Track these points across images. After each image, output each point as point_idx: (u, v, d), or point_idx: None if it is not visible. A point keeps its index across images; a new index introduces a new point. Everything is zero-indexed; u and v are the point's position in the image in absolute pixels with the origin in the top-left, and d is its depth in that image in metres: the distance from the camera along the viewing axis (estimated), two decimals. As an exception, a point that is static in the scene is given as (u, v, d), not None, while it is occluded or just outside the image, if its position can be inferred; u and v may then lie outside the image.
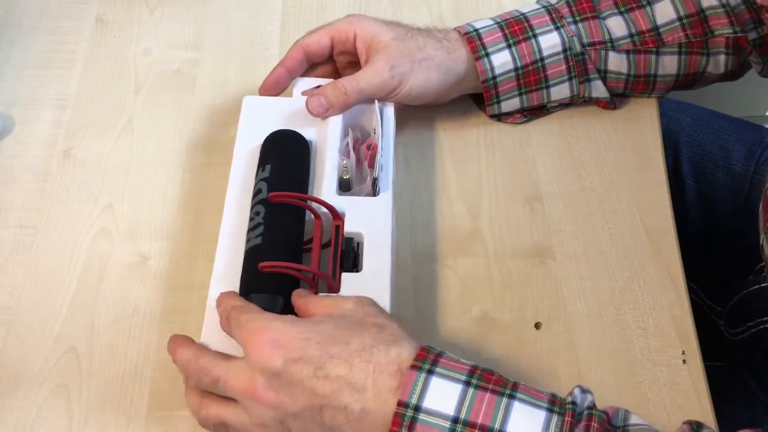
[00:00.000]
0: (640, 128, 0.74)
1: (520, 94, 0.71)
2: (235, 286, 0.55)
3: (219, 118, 0.74)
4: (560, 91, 0.71)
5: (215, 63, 0.78)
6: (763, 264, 0.73)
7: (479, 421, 0.44)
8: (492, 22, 0.70)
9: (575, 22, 0.70)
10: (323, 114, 0.65)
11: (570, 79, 0.70)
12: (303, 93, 0.68)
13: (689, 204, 0.84)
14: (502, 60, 0.69)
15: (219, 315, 0.53)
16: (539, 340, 0.61)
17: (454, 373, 0.46)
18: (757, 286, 0.73)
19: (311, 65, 0.70)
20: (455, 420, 0.44)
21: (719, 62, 0.72)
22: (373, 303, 0.52)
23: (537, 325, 0.62)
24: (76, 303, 0.62)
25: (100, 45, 0.80)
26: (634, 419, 0.47)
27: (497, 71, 0.69)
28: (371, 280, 0.57)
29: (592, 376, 0.59)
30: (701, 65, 0.72)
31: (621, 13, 0.71)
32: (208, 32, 0.81)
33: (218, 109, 0.75)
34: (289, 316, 0.50)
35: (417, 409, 0.44)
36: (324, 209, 0.59)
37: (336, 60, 0.71)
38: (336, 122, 0.65)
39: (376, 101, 0.67)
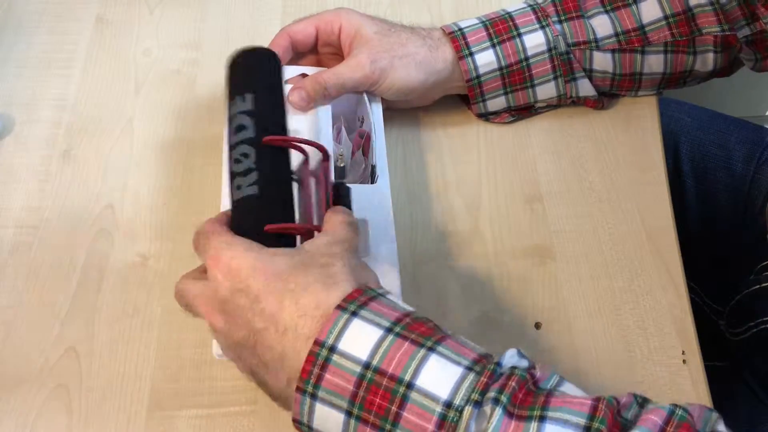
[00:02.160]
0: (640, 128, 0.74)
1: (506, 93, 0.71)
2: None
3: (219, 118, 0.74)
4: (546, 90, 0.71)
5: (215, 63, 0.78)
6: (764, 263, 0.73)
7: (390, 369, 0.42)
8: (477, 21, 0.70)
9: (560, 22, 0.70)
10: (305, 108, 0.65)
11: (555, 78, 0.70)
12: (287, 82, 0.68)
13: (689, 204, 0.84)
14: (486, 60, 0.69)
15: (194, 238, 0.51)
16: (539, 340, 0.61)
17: (378, 318, 0.44)
18: (758, 286, 0.73)
19: (296, 54, 0.71)
20: (366, 365, 0.42)
21: (707, 60, 0.72)
22: (342, 240, 0.49)
23: (537, 325, 0.62)
24: (76, 303, 0.62)
25: (100, 45, 0.80)
26: (566, 386, 0.44)
27: (481, 71, 0.69)
28: (380, 264, 0.57)
29: (592, 376, 0.59)
30: (688, 64, 0.72)
31: (607, 11, 0.71)
32: (208, 32, 0.81)
33: (218, 109, 0.75)
34: (255, 244, 0.48)
35: (332, 349, 0.43)
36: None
37: (319, 51, 0.71)
38: (325, 111, 0.66)
39: (365, 92, 0.67)
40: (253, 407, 0.58)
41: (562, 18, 0.70)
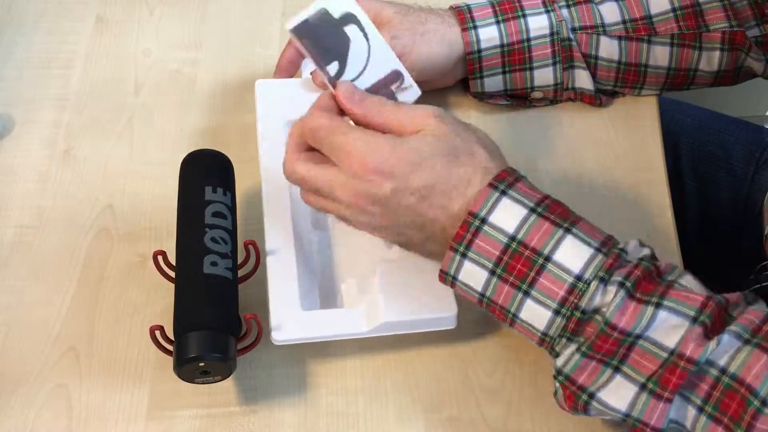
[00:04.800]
0: (640, 128, 0.74)
1: (504, 73, 0.71)
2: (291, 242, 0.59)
3: (219, 118, 0.74)
4: (543, 76, 0.72)
5: (215, 63, 0.78)
6: (764, 263, 0.73)
7: (532, 243, 0.49)
8: (485, 1, 0.72)
9: (568, 6, 0.71)
10: (327, 87, 0.66)
11: (554, 63, 0.71)
12: (311, 74, 0.70)
13: (689, 204, 0.84)
14: (489, 35, 0.70)
15: (297, 134, 0.54)
16: (539, 340, 0.61)
17: (524, 198, 0.51)
18: (758, 286, 0.73)
19: None
20: (512, 238, 0.50)
21: (713, 59, 0.72)
22: (451, 117, 0.54)
23: (537, 325, 0.62)
24: (76, 303, 0.62)
25: (100, 45, 0.80)
26: (687, 279, 0.50)
27: (483, 45, 0.70)
28: None
29: (592, 376, 0.59)
30: (693, 60, 0.72)
31: (616, 0, 0.71)
32: (208, 32, 0.81)
33: (218, 109, 0.75)
34: (383, 135, 0.52)
35: (483, 221, 0.50)
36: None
37: None
38: None
39: None
40: (253, 407, 0.58)
41: (570, 3, 0.71)
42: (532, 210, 0.50)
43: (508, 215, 0.50)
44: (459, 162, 0.51)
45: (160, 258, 0.59)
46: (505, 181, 0.51)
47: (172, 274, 0.58)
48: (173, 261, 0.59)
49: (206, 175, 0.61)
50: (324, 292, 0.61)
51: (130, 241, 0.66)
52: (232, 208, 0.60)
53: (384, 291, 0.57)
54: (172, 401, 0.58)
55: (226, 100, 0.75)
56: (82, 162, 0.71)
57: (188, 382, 0.55)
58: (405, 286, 0.58)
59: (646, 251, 0.51)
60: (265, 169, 0.64)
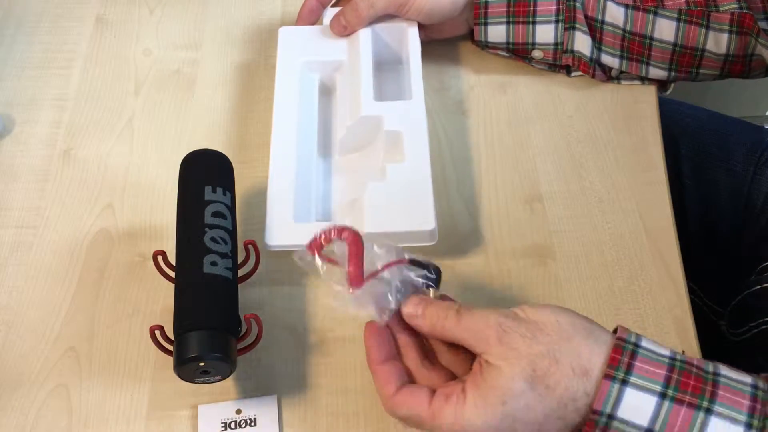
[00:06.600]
0: (640, 128, 0.74)
1: (507, 23, 0.73)
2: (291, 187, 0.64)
3: (219, 118, 0.74)
4: (545, 33, 0.73)
5: (215, 63, 0.79)
6: (765, 264, 0.73)
7: None
8: None
9: None
10: (343, 32, 0.74)
11: (557, 21, 0.72)
12: (330, 22, 0.75)
13: (689, 204, 0.84)
14: None
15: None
16: (539, 340, 0.61)
17: (649, 383, 0.45)
18: (759, 286, 0.73)
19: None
20: (650, 431, 0.44)
21: (721, 40, 0.71)
22: (512, 318, 0.48)
23: (537, 325, 0.62)
24: (76, 303, 0.62)
25: (100, 45, 0.80)
26: None
27: None
28: (413, 167, 0.65)
29: (592, 376, 0.59)
30: (700, 39, 0.72)
31: None
32: (208, 32, 0.81)
33: (218, 109, 0.75)
34: (470, 401, 0.47)
35: (611, 417, 0.45)
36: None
37: None
38: (366, 42, 0.73)
39: (406, 23, 0.74)
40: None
41: None
42: (663, 395, 0.45)
43: (637, 407, 0.45)
44: (552, 392, 0.46)
45: (160, 258, 0.59)
46: (621, 364, 0.46)
47: (172, 274, 0.58)
48: (173, 261, 0.59)
49: (206, 175, 0.61)
50: (323, 213, 0.67)
51: (130, 241, 0.66)
52: (232, 208, 0.60)
53: (369, 207, 0.62)
54: (172, 401, 0.58)
55: (226, 100, 0.75)
56: (82, 162, 0.71)
57: (188, 381, 0.55)
58: (389, 204, 0.63)
59: None
60: (279, 101, 0.69)
